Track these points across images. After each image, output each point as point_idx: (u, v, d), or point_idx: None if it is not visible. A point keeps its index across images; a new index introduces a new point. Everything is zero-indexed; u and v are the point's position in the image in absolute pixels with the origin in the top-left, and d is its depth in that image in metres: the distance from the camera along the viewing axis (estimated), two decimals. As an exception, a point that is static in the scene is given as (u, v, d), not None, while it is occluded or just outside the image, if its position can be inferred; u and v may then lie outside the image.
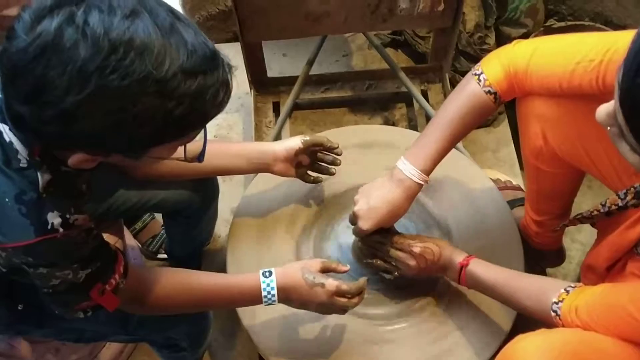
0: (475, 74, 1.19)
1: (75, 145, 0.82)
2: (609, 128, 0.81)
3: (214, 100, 0.81)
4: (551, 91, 1.14)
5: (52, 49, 0.73)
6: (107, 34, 0.73)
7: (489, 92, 1.18)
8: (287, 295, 1.14)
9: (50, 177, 0.87)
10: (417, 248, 1.23)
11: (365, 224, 1.23)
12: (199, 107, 0.81)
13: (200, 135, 0.91)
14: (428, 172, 1.22)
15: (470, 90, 1.19)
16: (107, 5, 0.74)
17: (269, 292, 1.13)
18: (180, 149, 0.92)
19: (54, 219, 0.87)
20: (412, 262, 1.23)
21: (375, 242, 1.28)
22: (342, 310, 1.18)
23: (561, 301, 1.06)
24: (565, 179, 1.34)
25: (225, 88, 0.83)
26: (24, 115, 0.77)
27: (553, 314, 1.06)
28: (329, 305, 1.15)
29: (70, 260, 0.93)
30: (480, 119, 1.23)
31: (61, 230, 0.88)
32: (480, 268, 1.21)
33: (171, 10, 0.80)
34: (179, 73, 0.76)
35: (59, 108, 0.74)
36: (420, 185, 1.22)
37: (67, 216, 0.89)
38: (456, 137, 1.22)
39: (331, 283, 1.13)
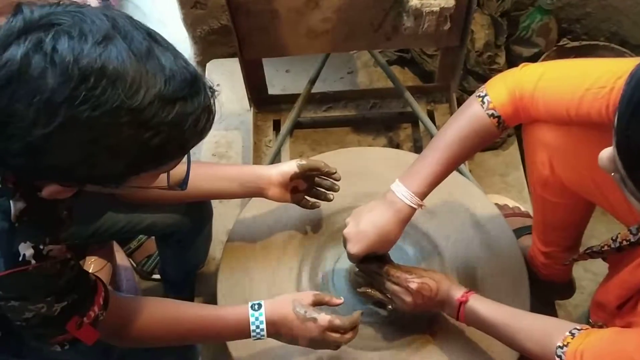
0: (479, 96, 1.13)
1: (46, 177, 0.78)
2: (612, 174, 0.75)
3: (194, 127, 0.77)
4: (558, 118, 1.08)
5: (18, 79, 0.69)
6: (76, 61, 0.69)
7: (493, 115, 1.12)
8: (277, 330, 1.10)
9: (24, 206, 0.83)
10: (414, 284, 1.16)
11: (353, 248, 1.17)
12: (178, 135, 0.76)
13: (184, 160, 0.87)
14: (423, 195, 1.16)
15: (472, 112, 1.13)
16: (78, 31, 0.70)
17: (257, 327, 1.08)
18: (163, 176, 0.87)
19: (26, 250, 0.83)
20: (408, 298, 1.17)
21: (372, 271, 1.22)
22: (335, 346, 1.13)
23: (566, 345, 0.99)
24: (574, 210, 1.27)
25: (206, 114, 0.79)
26: None
27: (557, 358, 1.00)
28: (320, 341, 1.10)
29: (44, 293, 0.88)
30: (481, 143, 1.17)
31: (33, 262, 0.84)
32: (480, 305, 1.14)
33: (149, 33, 0.75)
34: (155, 101, 0.72)
35: (25, 141, 0.70)
36: (413, 210, 1.16)
37: (41, 247, 0.85)
38: (455, 161, 1.16)
39: (324, 318, 1.09)
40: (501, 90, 1.12)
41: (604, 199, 1.14)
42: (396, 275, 1.18)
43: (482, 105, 1.12)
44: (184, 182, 0.94)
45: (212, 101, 0.80)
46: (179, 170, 0.87)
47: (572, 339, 1.00)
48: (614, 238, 1.09)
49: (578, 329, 1.01)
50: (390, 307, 1.22)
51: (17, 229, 0.83)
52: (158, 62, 0.73)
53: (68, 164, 0.73)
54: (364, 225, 1.17)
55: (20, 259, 0.83)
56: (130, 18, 0.76)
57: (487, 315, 1.13)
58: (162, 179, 0.88)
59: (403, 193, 1.15)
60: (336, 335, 1.10)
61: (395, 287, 1.18)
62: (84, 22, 0.71)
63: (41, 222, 0.85)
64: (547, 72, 1.09)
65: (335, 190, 1.32)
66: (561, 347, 1.00)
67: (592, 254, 1.16)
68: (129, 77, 0.70)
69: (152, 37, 0.76)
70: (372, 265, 1.21)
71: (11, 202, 0.82)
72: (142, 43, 0.73)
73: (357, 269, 1.25)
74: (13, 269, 0.83)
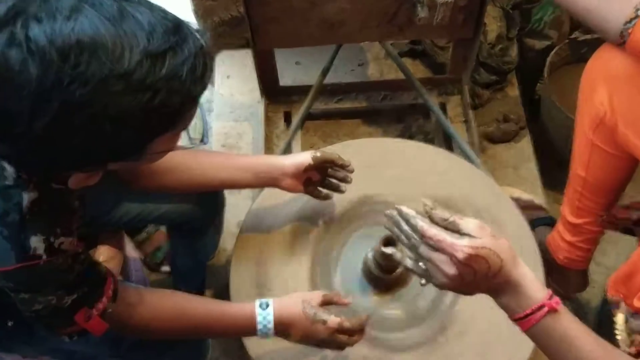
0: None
1: (66, 167, 0.76)
2: None
3: (192, 74, 0.73)
4: None
5: (2, 78, 0.66)
6: (52, 43, 0.66)
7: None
8: (285, 330, 1.08)
9: (37, 196, 0.81)
10: (461, 253, 0.79)
11: None
12: (179, 87, 0.72)
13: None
14: None
15: None
16: (45, 13, 0.67)
17: (264, 326, 1.07)
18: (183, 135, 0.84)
19: (37, 243, 0.83)
20: (450, 271, 0.81)
21: (407, 220, 0.86)
22: (341, 347, 1.12)
23: None
24: (618, 166, 1.26)
25: (202, 58, 0.74)
26: (5, 154, 0.73)
27: None
28: (329, 342, 1.10)
29: (54, 287, 0.88)
30: None
31: (44, 257, 0.83)
32: (571, 323, 0.82)
33: None
34: (143, 60, 0.69)
35: (30, 137, 0.68)
36: None
37: (52, 240, 0.84)
38: None
39: (333, 320, 1.08)
40: None
41: None
42: (437, 237, 0.81)
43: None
44: (204, 136, 0.90)
45: (203, 43, 0.75)
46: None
47: None
48: None
49: None
50: (422, 282, 0.88)
51: (28, 221, 0.82)
52: (134, 20, 0.70)
53: (78, 147, 0.71)
54: None
55: (32, 252, 0.82)
56: None
57: (575, 337, 0.81)
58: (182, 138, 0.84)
59: None
60: (344, 338, 1.09)
61: (434, 255, 0.82)
62: (47, 2, 0.68)
63: (52, 213, 0.84)
64: None
65: (348, 182, 1.30)
66: None
67: (629, 208, 1.14)
68: (108, 43, 0.67)
69: None
70: (406, 214, 0.86)
71: (24, 193, 0.81)
72: (112, 5, 0.70)
73: (381, 245, 1.17)
74: (24, 263, 0.82)
